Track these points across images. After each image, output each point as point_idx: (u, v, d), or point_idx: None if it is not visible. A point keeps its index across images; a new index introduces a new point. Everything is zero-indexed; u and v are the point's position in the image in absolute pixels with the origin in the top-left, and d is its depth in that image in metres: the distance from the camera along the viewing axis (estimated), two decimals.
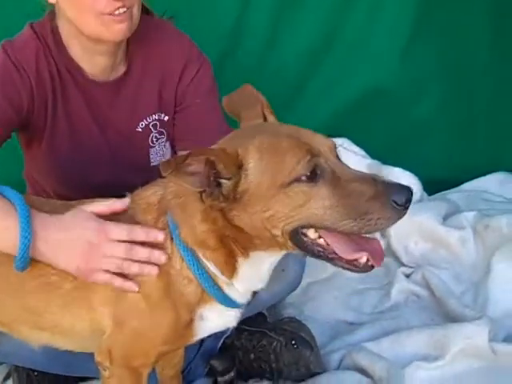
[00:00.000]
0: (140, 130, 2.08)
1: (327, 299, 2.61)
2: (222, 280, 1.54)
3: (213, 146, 1.48)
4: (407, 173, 3.10)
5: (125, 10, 1.78)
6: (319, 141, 1.41)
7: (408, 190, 1.33)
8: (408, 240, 2.77)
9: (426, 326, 2.32)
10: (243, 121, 1.59)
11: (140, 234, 1.54)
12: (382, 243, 2.84)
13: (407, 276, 2.66)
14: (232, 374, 2.19)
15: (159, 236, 1.53)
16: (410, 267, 2.71)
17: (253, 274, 1.54)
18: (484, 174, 3.31)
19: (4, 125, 1.80)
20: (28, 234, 1.48)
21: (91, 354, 1.73)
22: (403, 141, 3.30)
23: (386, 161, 3.23)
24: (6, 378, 2.28)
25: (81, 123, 2.01)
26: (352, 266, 1.42)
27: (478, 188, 3.22)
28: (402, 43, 3.18)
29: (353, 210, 1.34)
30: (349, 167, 1.41)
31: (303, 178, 1.35)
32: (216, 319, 1.64)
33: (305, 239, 1.41)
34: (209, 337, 1.82)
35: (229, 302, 1.59)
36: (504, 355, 2.17)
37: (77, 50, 1.93)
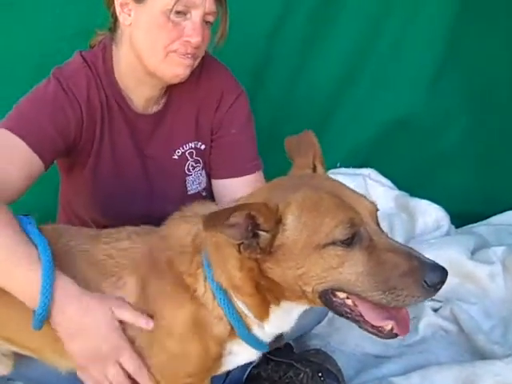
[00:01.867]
0: (176, 157, 2.11)
1: (353, 331, 2.57)
2: (252, 321, 1.55)
3: (253, 195, 1.50)
4: (434, 205, 3.11)
5: (192, 57, 1.87)
6: (361, 204, 1.40)
7: (443, 271, 1.32)
8: None
9: (456, 363, 2.29)
10: (293, 168, 1.60)
11: (144, 379, 1.56)
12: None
13: (435, 310, 2.64)
14: None
15: None
16: (438, 301, 2.68)
17: (283, 319, 1.56)
18: (511, 208, 3.29)
19: (51, 152, 1.84)
20: (48, 299, 1.47)
21: None
22: (430, 172, 3.31)
23: (413, 192, 3.24)
24: None
25: (124, 153, 2.05)
26: (377, 331, 1.42)
27: (506, 222, 3.21)
28: (429, 74, 3.23)
29: (384, 282, 1.33)
30: (387, 235, 1.40)
31: (341, 241, 1.35)
32: (244, 353, 1.65)
33: (334, 299, 1.42)
34: (236, 367, 1.81)
35: (255, 342, 1.60)
36: None
37: (128, 80, 1.98)
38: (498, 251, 2.73)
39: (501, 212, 3.29)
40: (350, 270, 1.35)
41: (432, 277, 1.30)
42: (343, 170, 3.28)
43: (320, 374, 2.15)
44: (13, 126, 1.78)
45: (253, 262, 1.43)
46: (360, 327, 1.44)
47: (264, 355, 1.75)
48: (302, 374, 2.16)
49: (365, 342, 2.52)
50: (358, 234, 1.35)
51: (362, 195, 1.44)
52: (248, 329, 1.57)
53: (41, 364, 1.78)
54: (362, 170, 3.30)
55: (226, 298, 1.53)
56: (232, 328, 1.57)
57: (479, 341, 2.39)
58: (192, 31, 1.83)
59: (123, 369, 1.55)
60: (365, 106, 3.25)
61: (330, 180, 1.50)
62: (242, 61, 2.79)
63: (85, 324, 1.51)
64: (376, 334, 1.42)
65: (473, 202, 3.33)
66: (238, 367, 1.85)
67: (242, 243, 1.38)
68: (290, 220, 1.38)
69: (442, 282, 1.31)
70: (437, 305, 2.66)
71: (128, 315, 1.55)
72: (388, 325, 1.40)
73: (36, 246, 1.52)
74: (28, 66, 2.63)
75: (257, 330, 1.58)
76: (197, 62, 1.94)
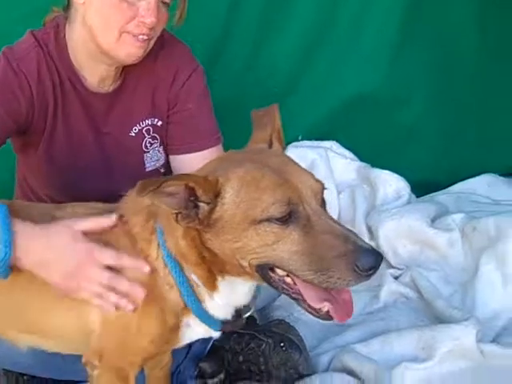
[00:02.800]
0: (133, 134, 2.10)
1: None
2: (203, 292, 1.56)
3: (202, 168, 1.51)
4: (395, 175, 3.13)
5: (146, 38, 1.84)
6: (306, 182, 1.40)
7: (377, 257, 1.31)
8: (396, 242, 2.78)
9: (415, 328, 2.33)
10: (250, 141, 1.59)
11: (127, 260, 1.54)
12: (372, 245, 2.86)
13: (396, 278, 2.68)
14: (221, 376, 2.20)
15: (145, 268, 1.54)
16: (399, 269, 2.72)
17: (232, 293, 1.56)
18: (472, 176, 3.34)
19: (2, 133, 1.81)
20: (8, 244, 1.46)
21: (79, 357, 1.74)
22: (392, 143, 3.33)
23: (374, 163, 3.25)
24: None
25: (78, 131, 2.03)
26: (314, 311, 1.42)
27: (466, 190, 3.25)
28: (390, 47, 3.23)
29: (317, 262, 1.33)
30: (328, 216, 1.38)
31: (277, 217, 1.35)
32: (201, 327, 1.65)
33: (272, 274, 1.42)
34: (197, 340, 1.82)
35: (206, 317, 1.60)
36: (491, 356, 2.18)
37: (81, 59, 1.95)
38: (457, 218, 2.76)
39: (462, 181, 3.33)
40: (284, 247, 1.36)
41: (364, 261, 1.29)
42: (305, 142, 3.28)
43: (282, 344, 2.18)
44: None
45: (195, 232, 1.44)
46: (298, 305, 1.44)
47: None
48: (264, 345, 2.18)
49: None
50: (294, 213, 1.35)
51: (309, 173, 1.43)
52: (199, 300, 1.57)
53: (0, 342, 1.77)
54: (324, 143, 3.30)
55: (176, 266, 1.53)
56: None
57: (439, 306, 2.42)
58: (146, 11, 1.80)
59: (104, 266, 1.53)
60: (327, 79, 3.25)
61: (280, 157, 1.49)
62: (202, 37, 2.77)
63: (49, 249, 1.51)
64: (313, 315, 1.42)
65: (434, 171, 3.37)
66: (199, 340, 1.87)
67: (180, 213, 1.39)
68: (228, 194, 1.39)
69: (375, 267, 1.30)
70: (397, 272, 2.71)
71: (87, 223, 1.56)
72: (325, 307, 1.40)
73: None
74: None
75: (209, 303, 1.57)
76: (152, 43, 1.91)
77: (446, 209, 3.01)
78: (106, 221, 1.57)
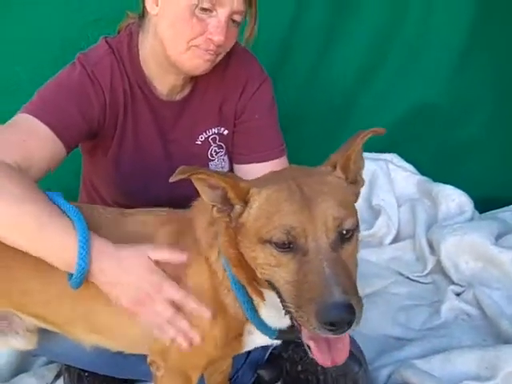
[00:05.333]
0: (199, 143, 2.13)
1: (374, 314, 2.58)
2: (257, 301, 1.57)
3: (257, 177, 1.55)
4: (458, 190, 3.09)
5: (213, 53, 1.87)
6: (324, 215, 1.35)
7: (343, 317, 1.26)
8: (459, 259, 2.74)
9: (478, 346, 2.28)
10: (325, 161, 1.55)
11: (191, 303, 1.56)
12: (432, 261, 2.82)
13: (457, 294, 2.63)
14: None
15: (206, 314, 1.56)
16: (461, 286, 2.67)
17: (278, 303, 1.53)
18: None
19: (75, 137, 1.86)
20: (85, 260, 1.50)
21: (141, 357, 1.77)
22: (454, 158, 3.28)
23: (436, 178, 3.21)
24: (57, 376, 2.33)
25: (146, 138, 2.07)
26: (307, 346, 1.41)
27: None
28: (454, 60, 3.19)
29: (298, 298, 1.33)
30: (330, 256, 1.33)
31: (276, 242, 1.36)
32: (263, 335, 1.66)
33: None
34: (256, 347, 1.82)
35: (261, 324, 1.61)
36: None
37: (152, 68, 1.99)
38: None
39: None
40: (281, 274, 1.37)
41: (326, 315, 1.26)
42: (366, 154, 3.22)
43: None
44: (36, 110, 1.79)
45: (232, 231, 1.49)
46: (296, 330, 1.42)
47: None
48: None
49: (386, 324, 2.54)
50: (295, 244, 1.35)
51: (335, 207, 1.38)
52: (255, 307, 1.58)
53: (65, 339, 1.81)
54: (385, 155, 3.30)
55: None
56: None
57: (503, 325, 2.37)
58: (215, 29, 1.83)
59: (170, 302, 1.55)
60: (389, 91, 3.23)
61: (322, 183, 1.44)
62: (266, 48, 2.79)
63: (123, 274, 1.53)
64: (304, 346, 1.42)
65: (497, 187, 3.29)
66: (258, 348, 1.87)
67: (217, 206, 1.48)
68: (255, 205, 1.43)
69: (336, 325, 1.26)
70: (459, 289, 2.65)
71: (161, 254, 1.57)
72: (310, 345, 1.40)
73: (68, 215, 1.55)
74: (51, 51, 2.66)
75: (263, 310, 1.58)
76: (220, 57, 1.94)
77: (510, 226, 2.95)
78: (179, 258, 1.58)
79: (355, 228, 1.41)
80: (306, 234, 1.34)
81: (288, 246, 1.35)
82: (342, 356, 1.41)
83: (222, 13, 1.82)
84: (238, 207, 1.45)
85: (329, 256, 1.33)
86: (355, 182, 1.53)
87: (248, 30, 2.00)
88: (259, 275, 1.44)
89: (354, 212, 1.45)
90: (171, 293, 1.55)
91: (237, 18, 1.87)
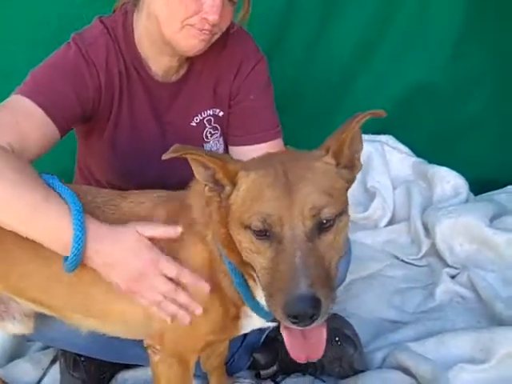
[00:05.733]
0: (194, 124, 2.11)
1: (370, 297, 2.60)
2: (251, 282, 1.56)
3: (250, 159, 1.54)
4: (453, 172, 3.09)
5: (209, 33, 1.84)
6: (303, 203, 1.33)
7: (305, 310, 1.25)
8: (453, 241, 2.74)
9: (472, 329, 2.29)
10: (320, 146, 1.51)
11: (188, 278, 1.56)
12: (427, 244, 2.83)
13: (452, 277, 2.64)
14: (275, 367, 2.20)
15: (205, 287, 1.56)
16: (455, 268, 2.68)
17: None
18: None
19: (69, 119, 1.84)
20: (81, 242, 1.49)
21: (138, 341, 1.78)
22: (450, 139, 3.26)
23: (431, 159, 3.21)
24: (53, 361, 2.33)
25: (142, 119, 2.05)
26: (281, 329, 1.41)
27: None
28: (454, 40, 3.14)
29: (269, 285, 1.33)
30: (305, 246, 1.31)
31: (254, 229, 1.36)
32: (260, 318, 1.66)
33: None
34: (252, 330, 1.82)
35: (257, 307, 1.61)
36: None
37: (147, 48, 1.96)
38: None
39: None
40: (259, 259, 1.37)
41: (288, 307, 1.26)
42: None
43: (337, 339, 2.17)
44: (29, 92, 1.77)
45: (223, 211, 1.49)
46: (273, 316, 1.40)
47: None
48: None
49: (381, 307, 2.55)
50: (271, 232, 1.34)
51: (315, 194, 1.35)
52: (250, 290, 1.58)
53: (61, 324, 1.81)
54: (380, 137, 3.28)
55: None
56: None
57: (497, 308, 2.38)
58: (210, 8, 1.80)
59: (167, 277, 1.55)
60: (386, 70, 3.20)
61: (306, 170, 1.40)
62: (262, 24, 2.75)
63: (118, 253, 1.53)
64: (279, 330, 1.43)
65: (492, 169, 3.27)
66: (254, 331, 1.87)
67: (208, 185, 1.49)
68: (241, 188, 1.43)
69: (297, 317, 1.26)
70: (454, 271, 2.66)
71: (154, 231, 1.57)
72: (284, 336, 1.40)
73: (62, 198, 1.54)
74: (47, 31, 2.63)
75: (258, 292, 1.56)
76: (215, 37, 1.91)
77: (505, 208, 2.95)
78: (173, 232, 1.58)
79: (338, 216, 1.37)
80: (282, 222, 1.33)
81: (265, 233, 1.35)
82: (316, 352, 1.41)
83: None
84: (227, 188, 1.45)
85: (303, 246, 1.31)
86: (351, 166, 1.48)
87: (242, 12, 1.97)
88: (244, 258, 1.44)
89: (341, 199, 1.41)
90: (168, 267, 1.55)
91: None
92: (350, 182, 1.49)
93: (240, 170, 1.43)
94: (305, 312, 1.26)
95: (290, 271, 1.28)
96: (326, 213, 1.33)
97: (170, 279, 1.55)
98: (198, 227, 1.61)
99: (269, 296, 1.33)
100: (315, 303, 1.26)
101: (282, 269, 1.30)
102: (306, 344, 1.39)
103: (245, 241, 1.39)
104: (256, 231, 1.35)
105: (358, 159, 1.50)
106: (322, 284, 1.28)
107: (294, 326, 1.29)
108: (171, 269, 1.55)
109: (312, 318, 1.26)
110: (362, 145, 1.50)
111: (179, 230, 1.57)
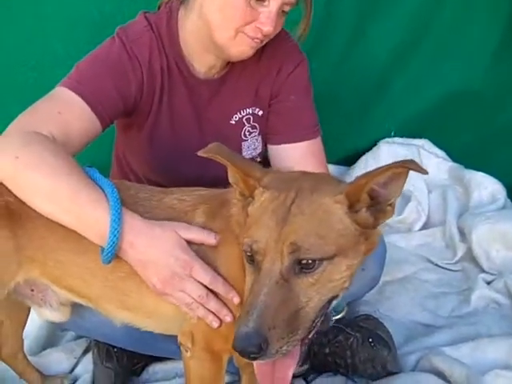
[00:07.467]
0: (233, 122, 2.12)
1: (403, 300, 2.57)
2: None
3: (288, 171, 1.57)
4: (491, 178, 3.05)
5: (259, 41, 1.87)
6: (287, 236, 1.31)
7: (245, 347, 1.25)
8: (490, 247, 2.71)
9: (508, 335, 2.25)
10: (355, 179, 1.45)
11: (220, 288, 1.58)
12: (463, 249, 2.80)
13: (488, 283, 2.60)
14: (306, 366, 2.18)
15: (235, 299, 1.57)
16: (491, 274, 2.64)
17: None
18: None
19: (111, 113, 1.86)
20: (117, 233, 1.51)
21: (170, 336, 1.78)
22: (488, 145, 3.22)
23: (468, 165, 3.17)
24: (85, 351, 2.36)
25: (182, 116, 2.07)
26: None
27: None
28: (494, 45, 3.11)
29: (242, 309, 1.34)
30: (280, 277, 1.30)
31: (244, 251, 1.38)
32: None
33: None
34: None
35: None
36: None
37: (192, 47, 1.98)
38: None
39: None
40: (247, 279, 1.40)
41: (235, 340, 1.27)
42: (397, 139, 3.25)
43: (370, 340, 2.15)
44: (74, 85, 1.80)
45: (244, 219, 1.50)
46: None
47: None
48: (352, 339, 2.16)
49: (414, 310, 2.52)
50: (255, 259, 1.35)
51: (296, 231, 1.32)
52: None
53: (95, 315, 1.83)
54: (416, 141, 3.27)
55: None
56: None
57: None
58: (266, 19, 1.81)
59: (200, 282, 1.57)
60: (423, 75, 3.18)
61: (309, 204, 1.36)
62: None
63: (153, 250, 1.55)
64: None
65: None
66: None
67: (238, 189, 1.52)
68: (255, 204, 1.44)
69: (242, 352, 1.26)
70: (490, 277, 2.63)
71: (192, 234, 1.59)
72: (254, 365, 1.40)
73: (102, 189, 1.57)
74: (88, 27, 2.68)
75: None
76: (262, 44, 1.93)
77: None
78: (210, 239, 1.60)
79: (328, 259, 1.32)
80: (265, 252, 1.33)
81: (252, 258, 1.36)
82: (282, 382, 1.38)
83: (274, 4, 1.80)
84: (249, 199, 1.47)
85: (272, 284, 1.30)
86: (380, 211, 1.40)
87: (301, 26, 1.99)
88: None
89: (337, 243, 1.33)
90: (201, 274, 1.56)
91: (286, 8, 1.86)
92: (370, 226, 1.41)
93: (259, 186, 1.44)
94: (243, 349, 1.26)
95: (250, 305, 1.29)
96: (307, 253, 1.30)
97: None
98: (232, 227, 1.61)
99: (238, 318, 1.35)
100: (257, 343, 1.24)
101: (248, 299, 1.32)
102: (273, 371, 1.38)
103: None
104: (246, 253, 1.38)
105: (392, 205, 1.40)
106: (281, 325, 1.27)
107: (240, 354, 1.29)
108: (204, 276, 1.56)
109: (253, 358, 1.26)
110: (401, 191, 1.38)
111: (216, 241, 1.59)
